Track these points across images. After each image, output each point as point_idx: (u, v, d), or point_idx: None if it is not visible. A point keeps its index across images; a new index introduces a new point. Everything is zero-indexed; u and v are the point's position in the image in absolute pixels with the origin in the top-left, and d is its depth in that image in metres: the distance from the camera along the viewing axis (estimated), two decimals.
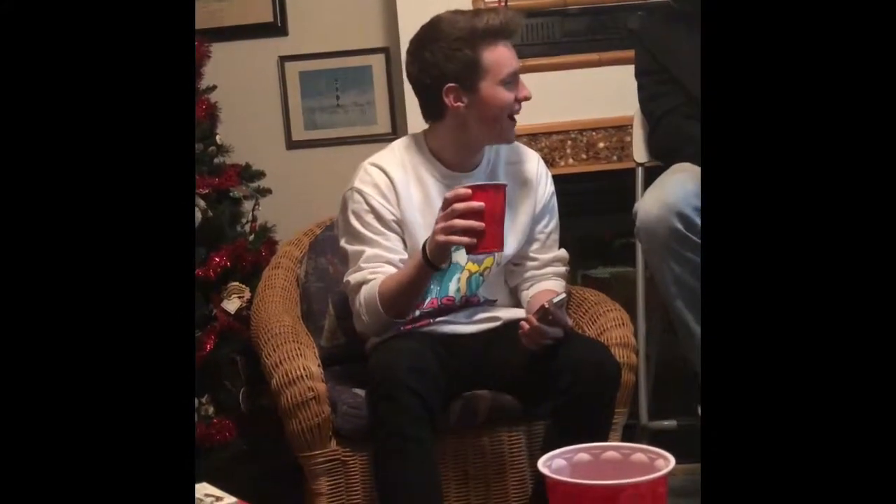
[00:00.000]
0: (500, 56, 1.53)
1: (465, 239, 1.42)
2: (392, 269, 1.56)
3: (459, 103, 1.54)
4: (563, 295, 1.54)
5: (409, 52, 1.59)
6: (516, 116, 1.59)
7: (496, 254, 1.65)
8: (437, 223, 1.46)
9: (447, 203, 1.44)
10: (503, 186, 1.46)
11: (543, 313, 1.47)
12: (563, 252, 1.73)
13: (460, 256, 1.61)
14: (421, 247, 1.50)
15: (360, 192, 1.58)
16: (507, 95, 1.54)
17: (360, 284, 1.56)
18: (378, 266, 1.56)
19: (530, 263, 1.70)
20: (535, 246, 1.70)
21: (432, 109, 1.59)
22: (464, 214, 1.41)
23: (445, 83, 1.53)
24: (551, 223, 1.71)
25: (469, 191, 1.42)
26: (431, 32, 1.54)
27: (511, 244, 1.65)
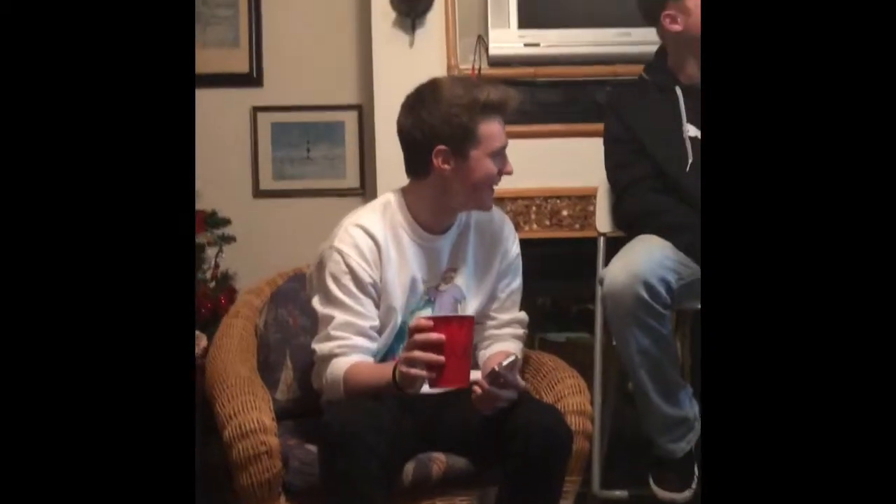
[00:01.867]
0: (494, 130, 1.57)
1: (424, 373, 1.41)
2: (362, 340, 1.56)
3: (446, 165, 1.57)
4: (514, 356, 1.53)
5: (405, 105, 1.62)
6: (495, 186, 1.63)
7: (458, 312, 1.66)
8: (402, 351, 1.47)
9: (410, 332, 1.45)
10: (469, 319, 1.47)
11: (494, 377, 1.47)
12: (522, 314, 1.75)
13: (422, 315, 1.62)
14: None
15: (339, 252, 1.57)
16: (492, 167, 1.59)
17: (327, 358, 1.55)
18: (348, 338, 1.55)
19: (489, 322, 1.71)
20: (496, 305, 1.71)
21: (417, 166, 1.61)
22: (424, 346, 1.41)
23: (436, 144, 1.56)
24: (513, 283, 1.72)
25: (430, 322, 1.42)
26: (432, 93, 1.58)
27: (473, 304, 1.67)
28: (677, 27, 1.83)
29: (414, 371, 1.41)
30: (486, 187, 1.60)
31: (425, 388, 1.47)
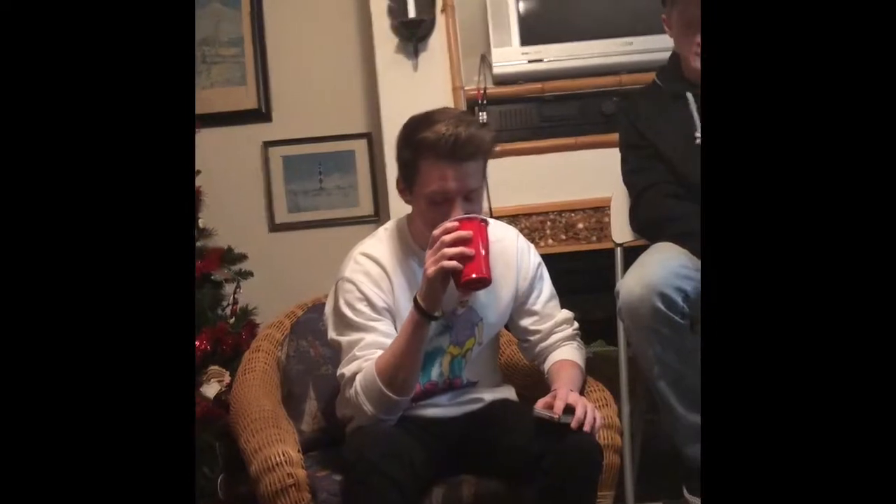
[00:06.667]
0: (431, 173, 1.49)
1: (453, 263, 1.43)
2: None
3: (405, 195, 1.58)
4: (542, 412, 1.47)
5: None
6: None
7: (476, 335, 1.65)
8: (426, 262, 1.46)
9: (434, 239, 1.45)
10: (486, 221, 1.49)
11: (541, 418, 1.46)
12: (563, 314, 1.71)
13: (442, 340, 1.61)
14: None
15: (352, 282, 1.57)
16: (427, 212, 1.51)
17: (354, 374, 1.53)
18: (372, 353, 1.53)
19: (534, 338, 1.69)
20: (534, 319, 1.69)
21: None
22: (453, 244, 1.43)
23: (399, 172, 1.57)
24: (544, 293, 1.70)
25: (456, 223, 1.45)
26: (420, 119, 1.54)
27: (491, 327, 1.66)
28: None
29: (446, 263, 1.42)
30: (429, 230, 1.49)
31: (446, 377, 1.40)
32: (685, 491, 1.76)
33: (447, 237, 1.44)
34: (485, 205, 1.96)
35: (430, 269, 1.44)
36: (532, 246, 1.73)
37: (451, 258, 1.43)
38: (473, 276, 1.45)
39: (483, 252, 1.46)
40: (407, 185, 1.56)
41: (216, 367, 2.01)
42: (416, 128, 1.52)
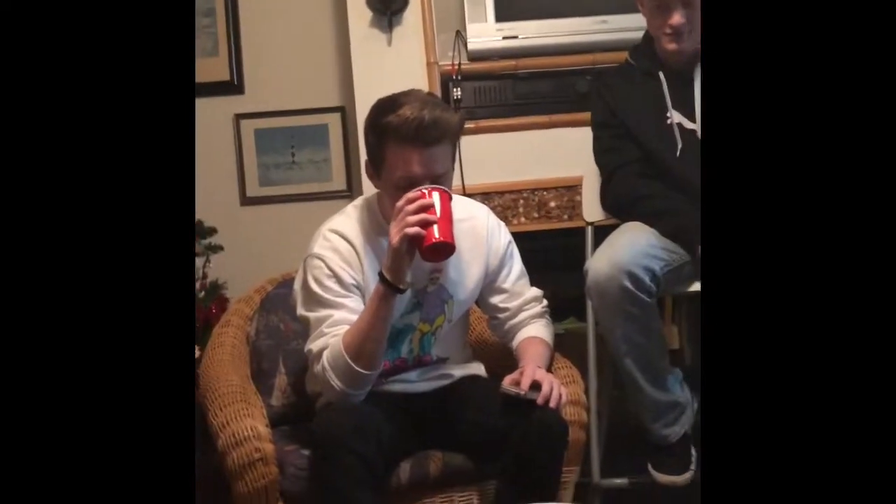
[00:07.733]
0: (397, 158, 1.48)
1: (416, 228, 1.43)
2: None
3: (374, 179, 1.58)
4: (509, 389, 1.50)
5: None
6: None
7: (447, 312, 1.65)
8: (390, 232, 1.47)
9: (398, 210, 1.46)
10: (449, 191, 1.50)
11: (506, 397, 1.48)
12: (533, 291, 1.71)
13: (413, 317, 1.62)
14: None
15: (320, 258, 1.56)
16: (394, 197, 1.49)
17: (321, 350, 1.53)
18: (340, 329, 1.53)
19: (503, 315, 1.70)
20: (503, 297, 1.69)
21: None
22: (415, 212, 1.44)
23: (367, 157, 1.57)
24: (514, 271, 1.70)
25: (419, 192, 1.45)
26: (386, 102, 1.53)
27: (461, 304, 1.66)
28: (673, 46, 1.81)
29: (410, 230, 1.43)
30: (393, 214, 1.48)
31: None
32: (650, 467, 1.79)
33: (410, 206, 1.44)
34: (458, 182, 1.96)
35: (395, 238, 1.45)
36: (502, 224, 1.73)
37: (413, 224, 1.43)
38: (436, 240, 1.45)
39: (444, 217, 1.46)
40: (375, 170, 1.55)
41: None
42: (381, 111, 1.50)
